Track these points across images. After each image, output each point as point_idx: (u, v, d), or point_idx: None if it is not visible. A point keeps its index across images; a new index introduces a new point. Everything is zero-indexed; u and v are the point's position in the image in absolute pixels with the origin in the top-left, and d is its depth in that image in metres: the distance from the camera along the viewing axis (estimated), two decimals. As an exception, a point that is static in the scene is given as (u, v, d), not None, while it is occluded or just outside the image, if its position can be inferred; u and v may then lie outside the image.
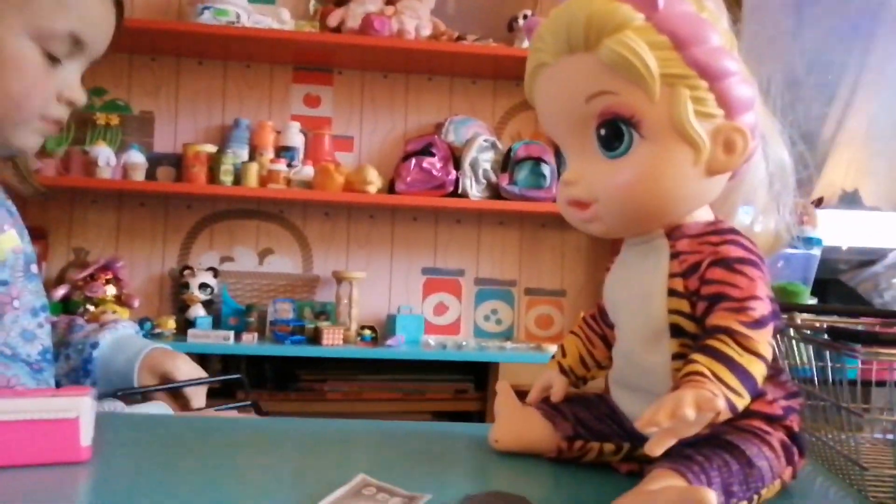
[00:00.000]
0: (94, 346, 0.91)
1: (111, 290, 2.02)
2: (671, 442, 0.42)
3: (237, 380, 1.08)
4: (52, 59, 0.73)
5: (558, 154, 2.07)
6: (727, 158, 0.48)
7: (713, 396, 0.41)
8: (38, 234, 2.12)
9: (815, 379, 0.56)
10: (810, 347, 0.56)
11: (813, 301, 2.02)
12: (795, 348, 0.60)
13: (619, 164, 0.49)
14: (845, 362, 0.54)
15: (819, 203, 2.06)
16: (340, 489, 0.46)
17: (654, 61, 0.46)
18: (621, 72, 0.47)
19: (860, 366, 0.54)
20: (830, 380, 0.54)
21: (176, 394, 0.91)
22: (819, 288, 2.02)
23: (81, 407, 0.52)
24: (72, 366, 0.91)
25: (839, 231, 2.22)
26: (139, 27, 2.01)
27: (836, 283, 2.22)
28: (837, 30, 2.48)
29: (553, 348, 1.89)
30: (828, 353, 0.53)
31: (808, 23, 2.47)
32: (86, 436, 0.52)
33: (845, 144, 2.50)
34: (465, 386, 2.17)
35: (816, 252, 2.04)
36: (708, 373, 0.43)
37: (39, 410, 0.51)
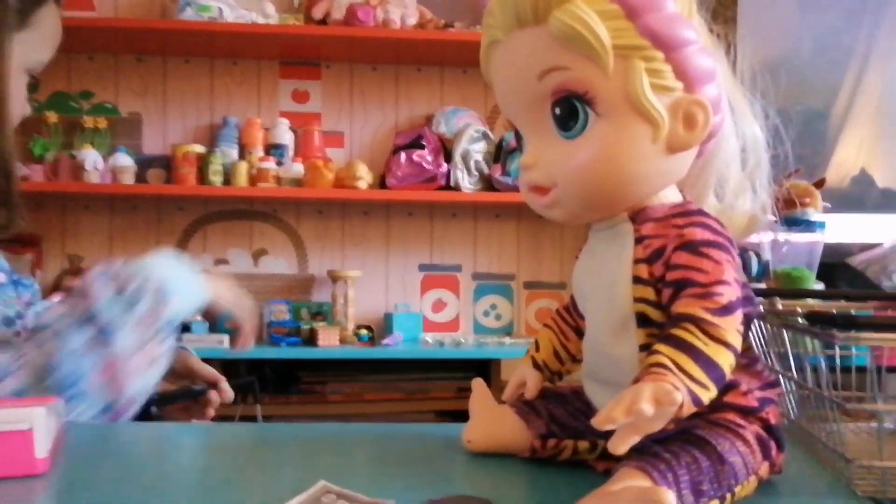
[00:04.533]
0: None
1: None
2: (635, 439, 0.39)
3: (250, 382, 1.08)
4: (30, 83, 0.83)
5: (519, 138, 2.05)
6: (688, 134, 0.45)
7: (673, 389, 0.38)
8: (31, 242, 2.10)
9: (792, 366, 0.52)
10: (788, 335, 0.53)
11: (820, 286, 1.98)
12: (783, 335, 0.57)
13: (575, 145, 0.46)
14: (835, 349, 0.50)
15: (821, 184, 2.01)
16: (297, 497, 0.44)
17: (606, 32, 0.43)
18: (572, 45, 0.44)
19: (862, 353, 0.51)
20: (811, 367, 0.50)
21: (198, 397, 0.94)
22: (826, 272, 1.98)
23: (34, 418, 0.50)
24: None
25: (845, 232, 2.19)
26: (123, 27, 1.99)
27: (843, 266, 2.18)
28: (845, 8, 2.43)
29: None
30: (807, 339, 0.50)
31: (813, 2, 2.42)
32: (41, 448, 0.50)
33: (856, 125, 2.45)
34: (468, 384, 2.13)
35: (821, 236, 2.00)
36: (670, 363, 0.40)
37: (-8, 421, 0.49)
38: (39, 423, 0.50)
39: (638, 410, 0.37)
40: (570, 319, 0.60)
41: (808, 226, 1.97)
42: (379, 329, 2.14)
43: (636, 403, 0.37)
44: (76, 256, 2.16)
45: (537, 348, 0.61)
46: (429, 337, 2.14)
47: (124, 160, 1.98)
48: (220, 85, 2.20)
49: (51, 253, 2.15)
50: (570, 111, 0.46)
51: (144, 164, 2.07)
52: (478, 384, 0.62)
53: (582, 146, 0.46)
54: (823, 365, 0.49)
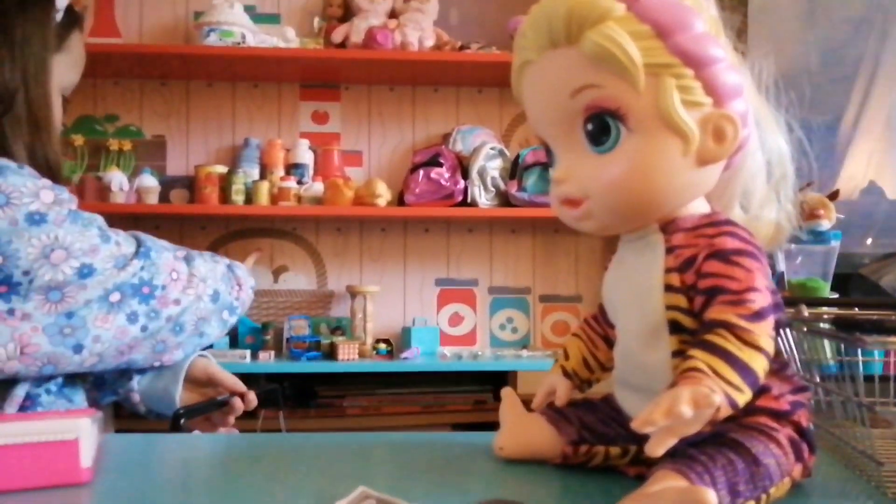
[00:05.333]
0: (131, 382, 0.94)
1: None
2: (672, 442, 0.40)
3: (273, 390, 1.11)
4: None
5: (549, 153, 2.06)
6: (718, 147, 0.47)
7: (710, 392, 0.40)
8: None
9: (817, 372, 0.54)
10: (817, 341, 0.54)
11: (834, 296, 1.98)
12: (806, 341, 0.58)
13: (608, 159, 0.48)
14: (858, 354, 0.52)
15: (835, 196, 2.02)
16: (340, 501, 0.45)
17: (637, 51, 0.45)
18: (605, 64, 0.46)
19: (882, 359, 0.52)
20: (843, 373, 0.52)
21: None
22: (840, 283, 1.98)
23: (81, 429, 0.52)
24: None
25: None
26: (148, 52, 2.04)
27: (857, 277, 2.18)
28: (852, 22, 2.45)
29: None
30: (836, 344, 0.51)
31: (820, 16, 2.44)
32: (86, 457, 0.52)
33: (865, 137, 2.46)
34: (484, 396, 2.15)
35: (835, 246, 2.00)
36: (706, 368, 0.42)
37: (39, 433, 0.51)
38: (85, 434, 0.51)
39: (677, 413, 0.38)
40: (599, 328, 0.62)
41: (824, 237, 1.97)
42: (397, 343, 2.15)
43: (675, 406, 0.39)
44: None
45: (567, 357, 0.63)
46: (446, 350, 2.15)
47: (149, 181, 2.02)
48: (241, 107, 2.24)
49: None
50: (602, 127, 0.48)
51: (168, 184, 2.11)
52: (508, 393, 0.63)
53: (614, 160, 0.48)
54: (859, 369, 0.50)
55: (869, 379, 0.54)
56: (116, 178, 1.99)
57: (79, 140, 2.11)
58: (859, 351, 0.50)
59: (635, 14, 0.46)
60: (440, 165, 2.05)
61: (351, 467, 0.57)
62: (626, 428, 0.55)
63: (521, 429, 0.59)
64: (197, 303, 0.85)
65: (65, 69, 0.87)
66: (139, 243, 0.82)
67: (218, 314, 0.89)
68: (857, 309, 0.68)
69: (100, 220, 0.80)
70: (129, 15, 2.19)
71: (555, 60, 0.48)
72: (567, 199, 0.51)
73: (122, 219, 2.17)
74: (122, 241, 0.80)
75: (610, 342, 0.60)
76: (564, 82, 0.48)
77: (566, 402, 0.60)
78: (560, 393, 0.60)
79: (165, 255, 0.84)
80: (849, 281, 2.08)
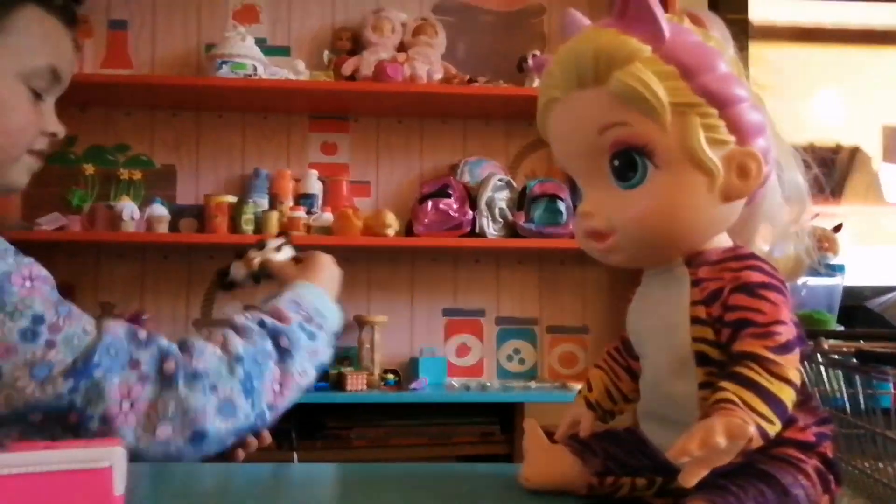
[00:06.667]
0: None
1: (136, 343, 2.03)
2: (704, 472, 0.41)
3: (287, 430, 1.09)
4: (37, 96, 0.79)
5: (574, 190, 2.08)
6: (742, 183, 0.48)
7: (744, 424, 0.41)
8: (64, 289, 2.15)
9: (847, 406, 0.54)
10: (839, 373, 0.55)
11: (840, 328, 1.99)
12: (825, 375, 0.59)
13: (634, 195, 0.49)
14: (877, 387, 0.53)
15: (839, 229, 2.04)
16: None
17: (664, 91, 0.47)
18: (632, 103, 0.47)
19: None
20: (864, 406, 0.52)
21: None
22: (845, 315, 1.99)
23: (114, 457, 0.52)
24: None
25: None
26: (160, 83, 2.07)
27: (862, 309, 2.19)
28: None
29: (578, 386, 1.86)
30: (857, 377, 0.52)
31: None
32: (119, 485, 0.52)
33: (862, 169, 2.49)
34: (492, 429, 2.13)
35: (840, 279, 2.01)
36: (737, 400, 0.43)
37: (70, 461, 0.51)
38: (118, 461, 0.52)
39: (712, 444, 0.39)
40: (622, 360, 0.63)
41: (830, 269, 1.99)
42: (405, 373, 2.15)
43: (710, 437, 0.39)
44: (108, 304, 2.20)
45: (590, 388, 0.64)
46: (454, 381, 2.14)
47: (160, 210, 2.03)
48: (251, 138, 2.26)
49: (83, 300, 2.19)
50: (629, 163, 0.49)
51: (177, 213, 2.12)
52: (530, 424, 0.63)
53: (641, 196, 0.49)
54: (885, 402, 0.50)
55: (885, 412, 0.55)
56: (128, 208, 2.01)
57: (90, 169, 2.12)
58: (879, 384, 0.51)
59: (661, 55, 0.47)
60: (448, 196, 2.06)
61: (369, 499, 0.58)
62: (651, 459, 0.56)
63: (545, 460, 0.59)
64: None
65: (15, 52, 0.76)
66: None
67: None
68: (862, 341, 0.69)
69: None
70: (142, 46, 2.23)
71: (582, 99, 0.50)
72: (594, 231, 0.52)
73: (132, 248, 2.19)
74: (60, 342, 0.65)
75: (633, 373, 0.61)
76: (592, 120, 0.50)
77: (590, 434, 0.61)
78: (584, 424, 0.61)
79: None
80: (853, 313, 2.09)
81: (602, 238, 0.52)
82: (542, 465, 0.59)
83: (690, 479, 0.41)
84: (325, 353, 0.85)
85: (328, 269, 0.98)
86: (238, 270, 1.00)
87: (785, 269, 0.55)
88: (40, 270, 0.71)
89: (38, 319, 0.65)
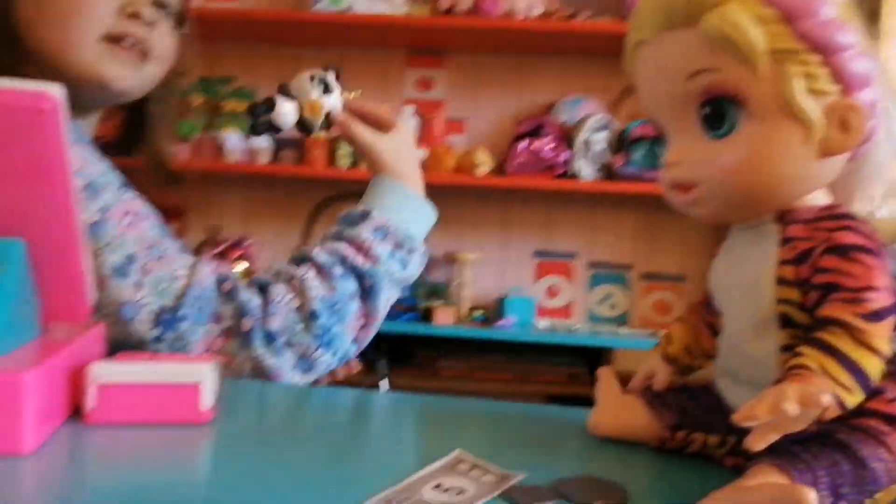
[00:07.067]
0: None
1: (241, 266, 2.15)
2: (773, 437, 0.40)
3: (377, 359, 1.13)
4: None
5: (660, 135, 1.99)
6: (843, 138, 0.45)
7: (818, 392, 0.39)
8: (175, 213, 2.29)
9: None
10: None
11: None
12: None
13: (723, 145, 0.47)
14: None
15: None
16: (436, 463, 0.48)
17: (761, 36, 0.43)
18: (724, 48, 0.44)
19: None
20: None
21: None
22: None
23: (203, 373, 0.56)
24: None
25: None
26: (262, 17, 2.11)
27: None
28: None
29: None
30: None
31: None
32: (206, 400, 0.56)
33: None
34: (579, 371, 2.14)
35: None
36: (815, 366, 0.41)
37: (167, 374, 0.56)
38: (206, 378, 0.56)
39: (782, 410, 0.38)
40: (706, 315, 0.61)
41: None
42: (493, 312, 2.17)
43: (781, 403, 0.38)
44: (216, 226, 2.31)
45: (669, 342, 0.62)
46: (542, 322, 2.15)
47: (262, 141, 2.11)
48: (348, 72, 2.28)
49: (193, 224, 2.32)
50: (719, 112, 0.46)
51: (279, 146, 2.19)
52: (604, 372, 0.63)
53: (729, 146, 0.46)
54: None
55: None
56: (232, 138, 2.09)
57: (198, 100, 2.22)
58: None
59: (760, -4, 0.44)
60: (544, 136, 2.03)
61: (448, 430, 0.59)
62: (726, 418, 0.54)
63: (617, 409, 0.59)
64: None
65: None
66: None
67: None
68: None
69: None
70: (246, -20, 2.28)
71: (671, 41, 0.47)
72: (678, 182, 0.50)
73: (236, 176, 2.29)
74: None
75: (715, 330, 0.59)
76: (681, 65, 0.47)
77: (665, 387, 0.60)
78: (660, 377, 0.60)
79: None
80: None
81: (686, 189, 0.50)
82: (613, 414, 0.59)
83: (757, 444, 0.40)
84: (415, 274, 0.83)
85: (409, 150, 0.88)
86: (291, 117, 0.85)
87: (886, 232, 0.51)
88: (141, 206, 0.72)
89: (130, 258, 0.66)
